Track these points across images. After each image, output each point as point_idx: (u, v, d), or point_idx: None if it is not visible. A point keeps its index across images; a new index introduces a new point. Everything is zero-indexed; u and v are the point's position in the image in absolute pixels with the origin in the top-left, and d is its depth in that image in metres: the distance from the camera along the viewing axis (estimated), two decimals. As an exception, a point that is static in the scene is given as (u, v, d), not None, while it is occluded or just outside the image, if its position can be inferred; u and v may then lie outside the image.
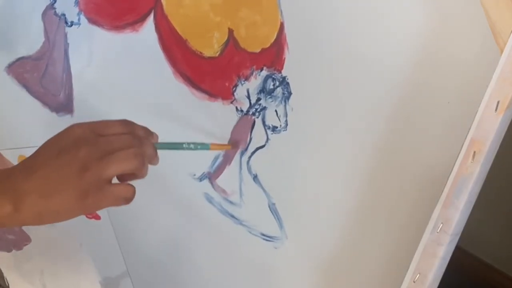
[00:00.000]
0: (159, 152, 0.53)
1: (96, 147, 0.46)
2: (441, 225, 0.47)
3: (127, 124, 0.51)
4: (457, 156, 0.46)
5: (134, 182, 0.49)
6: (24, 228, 0.79)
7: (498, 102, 0.44)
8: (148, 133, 0.53)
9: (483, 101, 0.45)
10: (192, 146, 0.58)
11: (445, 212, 0.47)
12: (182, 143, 0.57)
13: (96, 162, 0.46)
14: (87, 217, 0.77)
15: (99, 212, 0.77)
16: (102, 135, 0.48)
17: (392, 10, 0.51)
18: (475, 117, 0.46)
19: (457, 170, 0.46)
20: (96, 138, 0.47)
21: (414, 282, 0.48)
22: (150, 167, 0.50)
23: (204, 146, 0.60)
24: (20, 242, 0.79)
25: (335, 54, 0.54)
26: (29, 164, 0.47)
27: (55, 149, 0.47)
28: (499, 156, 0.47)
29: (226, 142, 0.63)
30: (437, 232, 0.47)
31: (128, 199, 0.48)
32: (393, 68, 0.51)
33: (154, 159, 0.52)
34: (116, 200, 0.48)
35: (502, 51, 0.45)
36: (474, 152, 0.45)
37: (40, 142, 0.48)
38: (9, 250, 0.79)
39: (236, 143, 0.62)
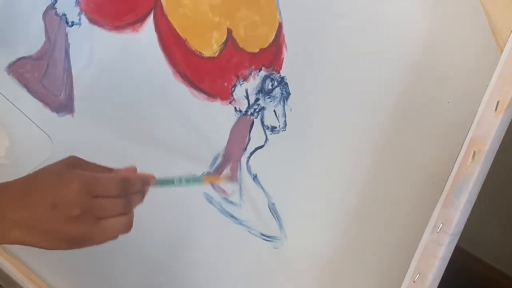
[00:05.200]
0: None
1: (89, 212, 0.49)
2: (441, 225, 0.47)
3: (124, 185, 0.51)
4: (457, 156, 0.46)
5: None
6: None
7: (498, 102, 0.44)
8: (145, 184, 0.54)
9: (483, 101, 0.45)
10: (184, 181, 0.56)
11: (445, 212, 0.47)
12: (173, 179, 0.56)
13: (87, 226, 0.49)
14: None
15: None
16: (98, 196, 0.49)
17: (392, 10, 0.51)
18: (475, 117, 0.46)
19: (457, 170, 0.46)
20: (91, 202, 0.49)
21: (414, 282, 0.48)
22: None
23: (197, 180, 0.60)
24: None
25: (334, 54, 0.54)
26: (21, 196, 0.49)
27: (50, 198, 0.48)
28: (499, 156, 0.47)
29: (224, 144, 0.63)
30: (437, 232, 0.47)
31: (126, 231, 0.51)
32: (392, 68, 0.51)
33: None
34: (111, 236, 0.51)
35: (502, 51, 0.45)
36: (474, 152, 0.45)
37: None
38: None
39: (230, 177, 0.63)
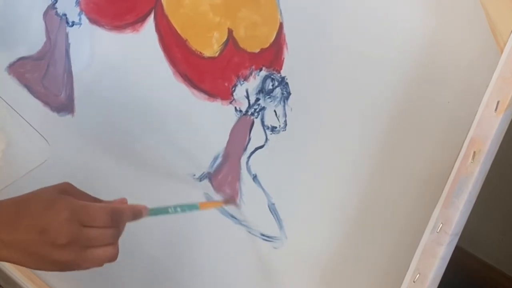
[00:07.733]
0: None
1: (77, 240, 0.49)
2: (441, 225, 0.47)
3: (114, 216, 0.52)
4: (457, 156, 0.46)
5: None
6: None
7: (498, 102, 0.44)
8: (136, 216, 0.54)
9: (483, 101, 0.45)
10: (179, 209, 0.57)
11: (445, 212, 0.47)
12: (167, 208, 0.56)
13: (73, 254, 0.49)
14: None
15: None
16: (87, 225, 0.50)
17: (392, 10, 0.51)
18: (475, 117, 0.46)
19: (457, 170, 0.46)
20: (79, 231, 0.50)
21: (414, 282, 0.48)
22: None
23: (192, 207, 0.59)
24: None
25: (334, 54, 0.54)
26: (12, 217, 0.50)
27: (40, 224, 0.49)
28: (499, 156, 0.47)
29: (224, 144, 0.63)
30: (437, 232, 0.47)
31: (112, 261, 0.52)
32: (392, 68, 0.51)
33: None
34: (97, 265, 0.51)
35: (502, 51, 0.45)
36: (474, 152, 0.45)
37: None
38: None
39: (229, 200, 0.63)
